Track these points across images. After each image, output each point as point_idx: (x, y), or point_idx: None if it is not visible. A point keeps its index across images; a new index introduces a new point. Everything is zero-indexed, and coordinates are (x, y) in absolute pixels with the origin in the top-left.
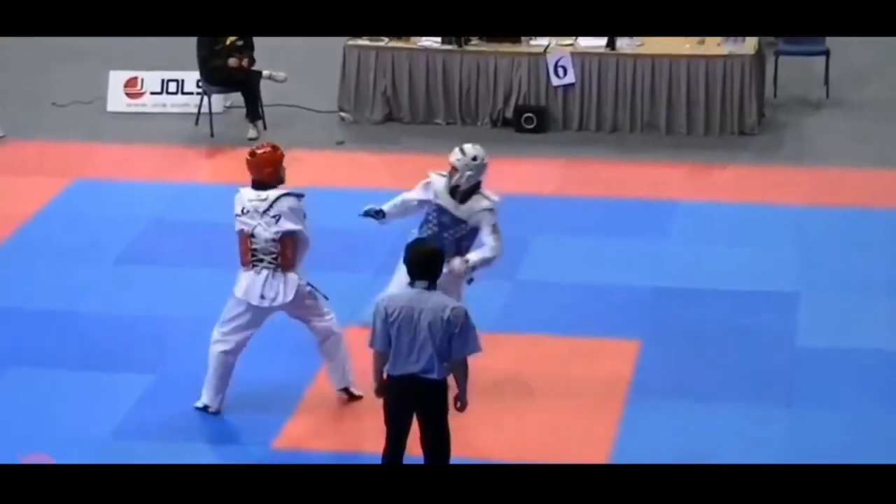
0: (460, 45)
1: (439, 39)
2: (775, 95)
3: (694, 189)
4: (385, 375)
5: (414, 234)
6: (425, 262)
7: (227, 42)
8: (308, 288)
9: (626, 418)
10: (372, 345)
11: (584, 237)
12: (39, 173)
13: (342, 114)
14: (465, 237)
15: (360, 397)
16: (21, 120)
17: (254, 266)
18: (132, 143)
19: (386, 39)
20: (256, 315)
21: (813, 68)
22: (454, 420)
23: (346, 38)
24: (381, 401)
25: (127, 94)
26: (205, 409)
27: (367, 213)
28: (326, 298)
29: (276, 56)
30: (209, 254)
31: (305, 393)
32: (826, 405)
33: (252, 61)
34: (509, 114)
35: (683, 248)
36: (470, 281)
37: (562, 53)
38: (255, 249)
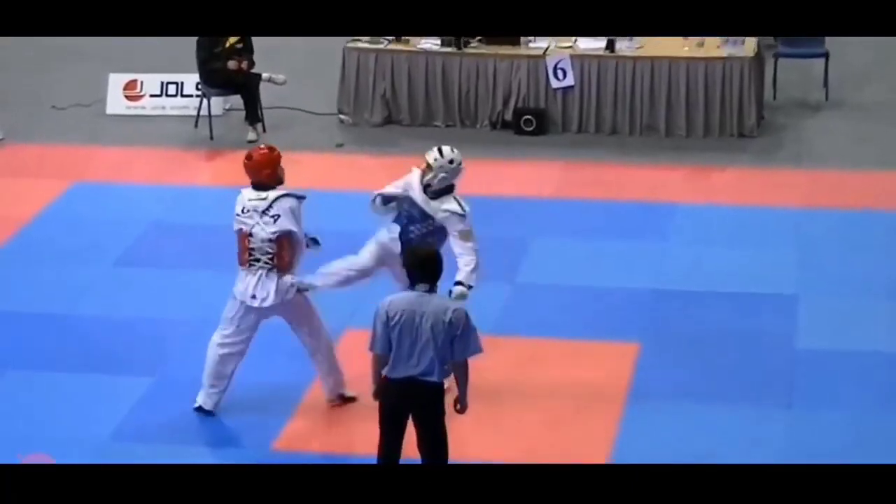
0: (459, 48)
1: (438, 42)
2: (774, 97)
3: (693, 191)
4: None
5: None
6: (424, 265)
7: (227, 44)
8: (301, 287)
9: (626, 420)
10: (372, 348)
11: (583, 239)
12: (39, 176)
13: (341, 116)
14: (432, 233)
15: (353, 399)
16: (20, 122)
17: (250, 266)
18: (132, 146)
19: (385, 42)
20: (252, 316)
21: (812, 70)
22: (454, 422)
23: (345, 40)
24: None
25: (126, 97)
26: (199, 409)
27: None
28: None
29: (275, 58)
30: (209, 256)
31: (305, 395)
32: (825, 406)
33: (251, 64)
34: (508, 116)
35: (683, 250)
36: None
37: (561, 56)
38: (252, 249)
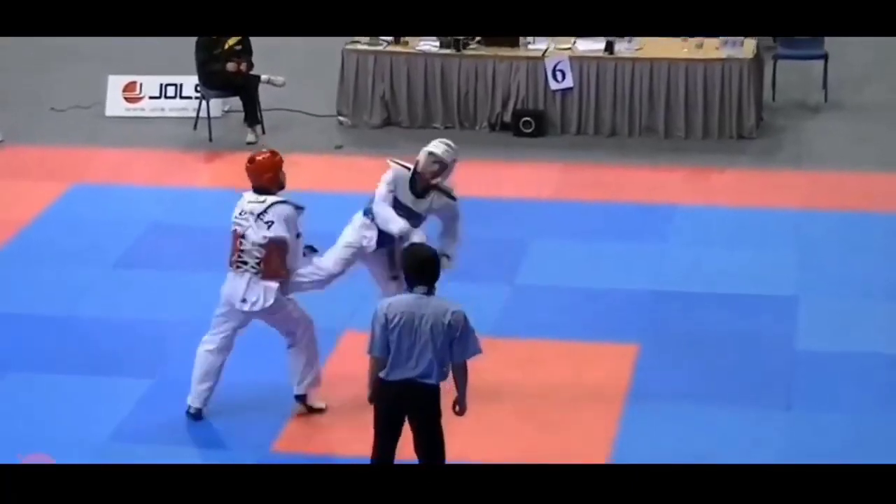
0: (458, 50)
1: (437, 43)
2: (774, 99)
3: (692, 193)
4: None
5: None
6: (422, 267)
7: (226, 46)
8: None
9: (625, 422)
10: (370, 351)
11: (582, 241)
12: (38, 177)
13: (341, 118)
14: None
15: (322, 409)
16: (20, 124)
17: (238, 267)
18: (131, 148)
19: (384, 43)
20: (238, 317)
21: (811, 72)
22: (453, 424)
23: (344, 42)
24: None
25: (125, 99)
26: (187, 409)
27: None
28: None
29: (274, 60)
30: (208, 257)
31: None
32: (825, 408)
33: (251, 65)
34: (508, 118)
35: (682, 251)
36: None
37: (560, 57)
38: (241, 251)
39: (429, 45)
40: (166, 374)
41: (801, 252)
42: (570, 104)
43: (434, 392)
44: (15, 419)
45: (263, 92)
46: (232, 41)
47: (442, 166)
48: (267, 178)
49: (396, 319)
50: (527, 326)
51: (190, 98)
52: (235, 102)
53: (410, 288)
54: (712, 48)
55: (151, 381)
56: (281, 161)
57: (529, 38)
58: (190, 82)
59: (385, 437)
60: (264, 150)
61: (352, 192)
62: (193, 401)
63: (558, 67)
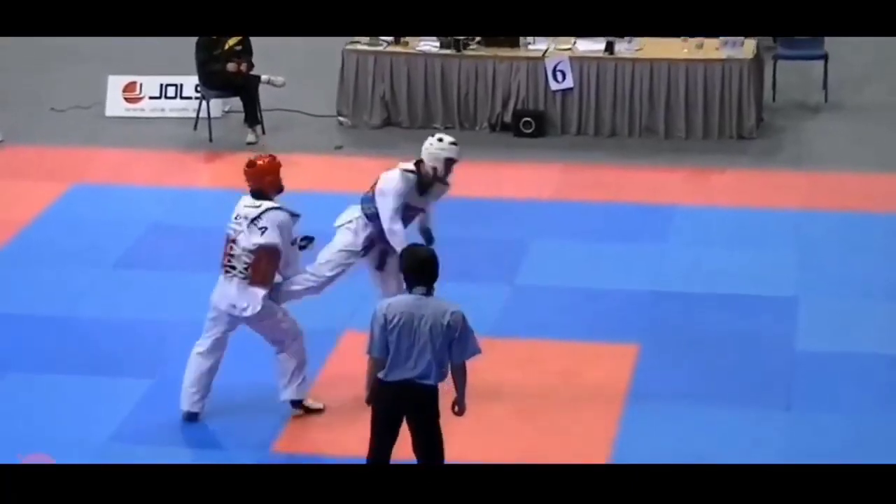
0: (459, 50)
1: (437, 44)
2: (774, 99)
3: (693, 193)
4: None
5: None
6: (422, 268)
7: (226, 47)
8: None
9: (625, 422)
10: (370, 352)
11: (582, 241)
12: (38, 178)
13: (341, 118)
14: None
15: (321, 409)
16: (20, 124)
17: (227, 272)
18: (131, 148)
19: (384, 44)
20: (227, 321)
21: (811, 72)
22: (453, 424)
23: (344, 42)
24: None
25: (126, 99)
26: (186, 415)
27: None
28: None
29: (274, 60)
30: (208, 258)
31: (305, 397)
32: (825, 408)
33: (251, 66)
34: (508, 118)
35: (682, 251)
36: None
37: (560, 58)
38: (231, 255)
39: (429, 45)
40: (166, 374)
41: (801, 252)
42: (570, 104)
43: (432, 392)
44: (15, 419)
45: (263, 92)
46: (232, 41)
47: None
48: (268, 181)
49: (396, 320)
50: (527, 326)
51: (190, 98)
52: (236, 103)
53: (409, 289)
54: (712, 49)
55: (151, 382)
56: (280, 165)
57: (530, 39)
58: (190, 82)
59: (382, 438)
60: (263, 153)
61: (352, 193)
62: (183, 403)
63: (558, 68)
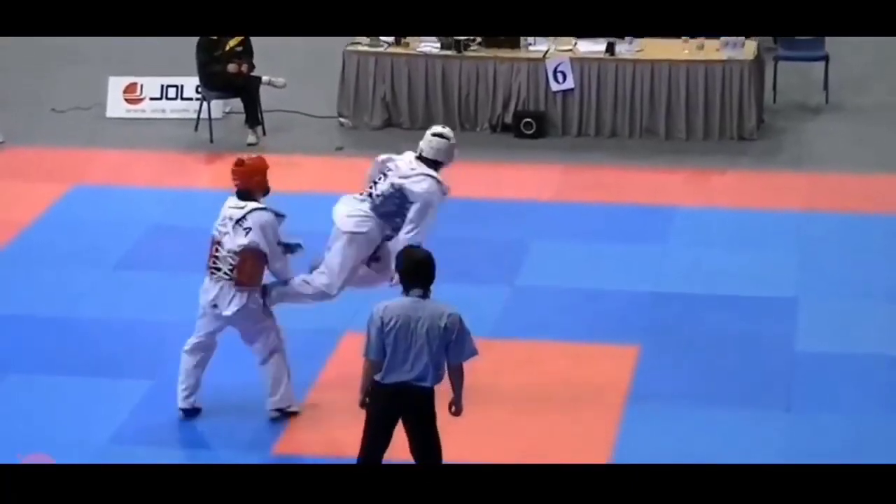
0: (459, 51)
1: (438, 45)
2: (774, 100)
3: (693, 194)
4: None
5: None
6: (418, 270)
7: (227, 48)
8: (260, 309)
9: (625, 423)
10: (366, 354)
11: (583, 242)
12: (39, 179)
13: (341, 119)
14: None
15: (296, 413)
16: (20, 126)
17: (213, 273)
18: (131, 149)
19: (385, 45)
20: (212, 322)
21: (812, 73)
22: (454, 424)
23: (345, 43)
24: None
25: (126, 100)
26: (182, 411)
27: None
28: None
29: (275, 62)
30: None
31: (306, 398)
32: (825, 409)
33: (251, 67)
34: (508, 119)
35: (683, 252)
36: None
37: (561, 59)
38: (216, 257)
39: (429, 46)
40: (166, 375)
41: (802, 253)
42: (570, 105)
43: (429, 394)
44: (15, 420)
45: (264, 93)
46: (233, 43)
47: None
48: (255, 181)
49: (392, 322)
50: (527, 327)
51: (191, 99)
52: (236, 104)
53: (406, 291)
54: (713, 50)
55: (151, 383)
56: (267, 165)
57: (530, 40)
58: (191, 83)
59: (375, 440)
60: (251, 155)
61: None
62: (179, 401)
63: (559, 69)
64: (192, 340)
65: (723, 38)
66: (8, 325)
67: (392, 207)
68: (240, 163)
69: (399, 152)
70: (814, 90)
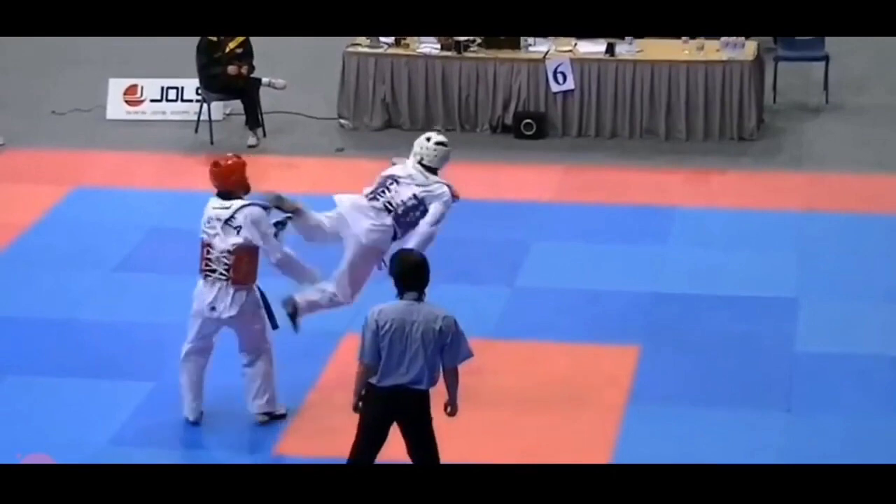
0: (459, 52)
1: (438, 46)
2: (774, 101)
3: (693, 194)
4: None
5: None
6: (413, 273)
7: (227, 50)
8: (260, 304)
9: (626, 424)
10: (361, 357)
11: (583, 243)
12: (39, 181)
13: (341, 121)
14: None
15: (283, 415)
16: (20, 128)
17: (206, 276)
18: (132, 151)
19: (385, 46)
20: (209, 325)
21: (812, 74)
22: (454, 425)
23: (345, 44)
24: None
25: (126, 102)
26: (186, 419)
27: None
28: (275, 328)
29: (275, 63)
30: None
31: (306, 399)
32: (825, 410)
33: (251, 69)
34: (508, 120)
35: (683, 253)
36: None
37: (561, 59)
38: (209, 259)
39: (429, 47)
40: (166, 377)
41: (802, 254)
42: (571, 106)
43: (424, 397)
44: (14, 423)
45: (264, 95)
46: (233, 45)
47: None
48: (233, 180)
49: (387, 326)
50: (528, 328)
51: (191, 101)
52: (237, 105)
53: (401, 294)
54: (713, 50)
55: (152, 385)
56: (245, 164)
57: (530, 40)
58: (191, 85)
59: (369, 443)
60: (228, 155)
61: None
62: (186, 411)
63: (559, 69)
64: (189, 347)
65: (723, 39)
66: (8, 326)
67: (415, 218)
68: (216, 164)
69: (399, 153)
70: (814, 90)
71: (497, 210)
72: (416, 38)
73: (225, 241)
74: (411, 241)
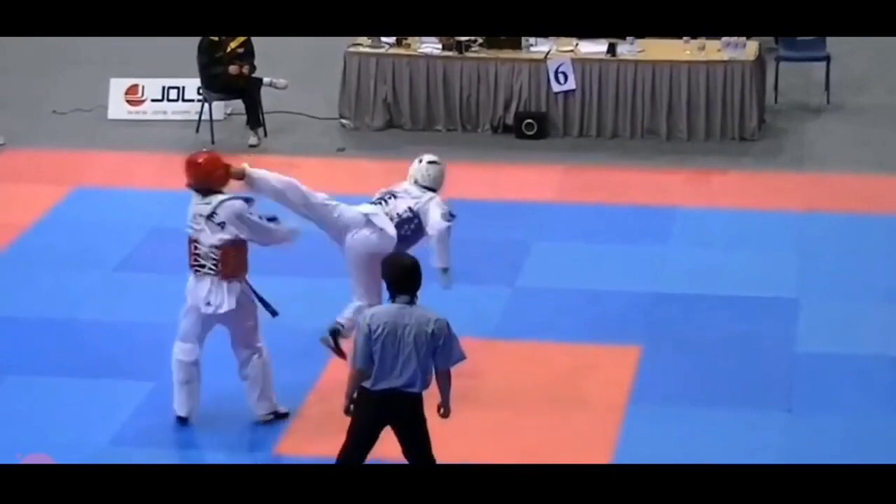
0: (461, 52)
1: (439, 46)
2: (776, 101)
3: (694, 195)
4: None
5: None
6: (405, 277)
7: (228, 50)
8: (252, 298)
9: (627, 424)
10: (354, 362)
11: (584, 243)
12: (39, 181)
13: (343, 120)
14: None
15: (286, 414)
16: (21, 128)
17: (196, 272)
18: (133, 151)
19: (386, 46)
20: (204, 321)
21: (813, 74)
22: (455, 425)
23: (346, 44)
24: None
25: (128, 102)
26: (178, 418)
27: None
28: (275, 314)
29: (276, 63)
30: None
31: (306, 398)
32: (825, 410)
33: (253, 68)
34: (510, 120)
35: (684, 253)
36: None
37: (562, 59)
38: (197, 255)
39: (431, 47)
40: (166, 377)
41: (802, 254)
42: (572, 106)
43: (417, 400)
44: (14, 423)
45: (265, 94)
46: (234, 44)
47: None
48: (217, 175)
49: (380, 330)
50: (528, 328)
51: (192, 101)
52: (238, 105)
53: (393, 298)
54: (714, 50)
55: (152, 385)
56: (219, 158)
57: (532, 40)
58: (192, 85)
59: (359, 446)
60: (202, 152)
61: (354, 195)
62: (177, 409)
63: (560, 69)
64: (183, 346)
65: (724, 39)
66: (8, 327)
67: (408, 231)
68: (192, 162)
69: (401, 153)
70: (815, 90)
71: (498, 210)
72: (417, 38)
73: (211, 237)
74: (431, 240)
